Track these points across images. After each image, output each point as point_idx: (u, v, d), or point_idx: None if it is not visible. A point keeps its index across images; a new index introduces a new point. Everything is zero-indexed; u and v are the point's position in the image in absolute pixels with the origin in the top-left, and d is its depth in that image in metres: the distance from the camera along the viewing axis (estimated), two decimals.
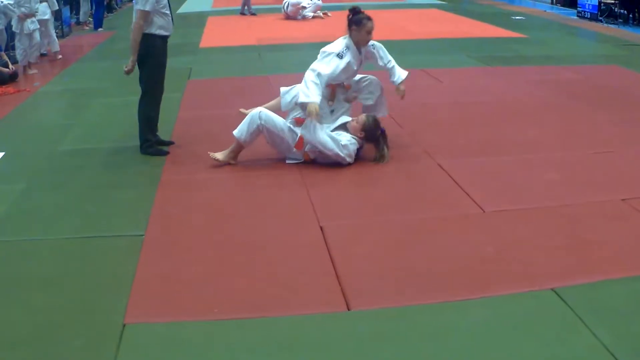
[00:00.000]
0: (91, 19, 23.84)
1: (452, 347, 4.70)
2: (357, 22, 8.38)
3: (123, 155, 8.83)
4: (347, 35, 8.45)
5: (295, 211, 7.03)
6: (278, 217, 6.92)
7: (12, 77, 13.96)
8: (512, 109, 10.76)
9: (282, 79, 12.50)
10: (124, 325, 4.97)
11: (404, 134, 9.35)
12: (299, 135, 8.17)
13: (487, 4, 29.41)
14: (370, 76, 8.89)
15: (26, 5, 14.75)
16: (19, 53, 15.09)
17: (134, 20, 8.49)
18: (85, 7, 23.92)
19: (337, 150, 8.02)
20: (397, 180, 7.88)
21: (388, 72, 8.79)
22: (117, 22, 24.75)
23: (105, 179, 8.08)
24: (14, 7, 14.69)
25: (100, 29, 22.80)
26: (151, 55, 8.52)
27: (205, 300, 5.31)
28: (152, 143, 8.78)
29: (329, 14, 23.71)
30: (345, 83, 8.65)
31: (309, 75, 8.18)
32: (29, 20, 14.83)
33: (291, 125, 8.26)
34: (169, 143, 9.06)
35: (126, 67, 8.56)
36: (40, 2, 16.14)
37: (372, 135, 8.25)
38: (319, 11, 23.95)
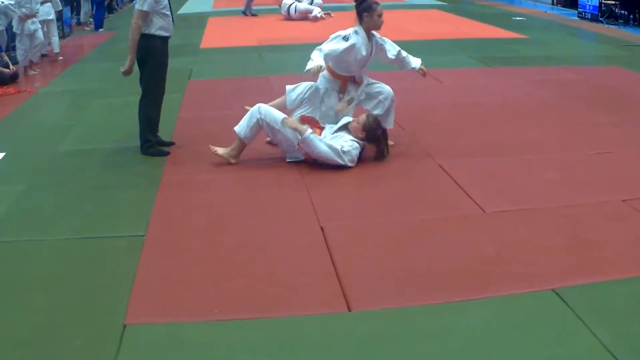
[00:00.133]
0: (92, 20, 23.86)
1: (452, 348, 4.71)
2: (367, 8, 8.41)
3: (124, 155, 8.83)
4: (358, 24, 8.47)
5: (295, 211, 7.03)
6: (278, 217, 6.92)
7: (13, 78, 13.96)
8: (513, 110, 10.76)
9: (283, 80, 12.48)
10: (125, 326, 4.97)
11: (404, 134, 9.34)
12: None
13: (487, 5, 29.42)
14: (384, 85, 8.83)
15: (27, 5, 14.75)
16: (19, 54, 15.08)
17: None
18: (86, 8, 23.91)
19: (337, 159, 8.00)
20: (398, 180, 7.88)
21: (402, 62, 8.88)
22: (118, 22, 24.74)
23: (105, 180, 8.08)
24: (15, 8, 14.68)
25: (101, 30, 22.81)
26: (151, 56, 8.52)
27: (205, 301, 5.31)
28: (152, 144, 8.78)
29: (332, 15, 23.68)
30: (357, 78, 8.65)
31: (313, 54, 8.38)
32: (29, 21, 14.83)
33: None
34: (170, 144, 9.06)
35: (123, 68, 8.57)
36: (45, 2, 16.17)
37: (373, 135, 8.25)
38: (321, 11, 23.95)
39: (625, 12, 22.59)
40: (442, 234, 6.44)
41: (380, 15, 8.45)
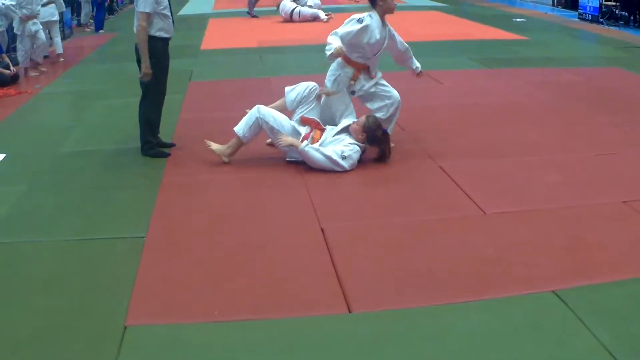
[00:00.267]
0: (92, 21, 23.88)
1: (452, 349, 4.71)
2: None
3: (124, 157, 8.84)
4: (372, 10, 8.46)
5: (296, 213, 7.03)
6: (279, 218, 6.93)
7: (14, 79, 13.96)
8: (513, 111, 10.76)
9: (284, 81, 12.48)
10: (125, 327, 4.97)
11: (404, 135, 9.34)
12: (302, 134, 8.20)
13: (488, 6, 29.44)
14: (394, 90, 8.79)
15: (28, 6, 14.74)
16: (20, 55, 15.07)
17: (135, 23, 8.50)
18: (86, 9, 23.93)
19: (335, 167, 8.02)
20: (398, 181, 7.88)
21: (407, 59, 9.00)
22: (118, 24, 24.78)
23: (106, 181, 8.09)
24: (16, 9, 14.68)
25: (101, 31, 22.84)
26: (152, 57, 8.50)
27: (206, 302, 5.31)
28: (153, 145, 8.78)
29: (332, 16, 23.68)
30: (370, 69, 8.65)
31: (328, 38, 8.45)
32: (30, 22, 14.81)
33: (296, 125, 8.30)
34: (170, 145, 9.06)
35: (140, 75, 8.58)
36: (48, 3, 16.18)
37: (374, 137, 8.24)
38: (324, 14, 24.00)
39: (626, 14, 22.61)
40: (442, 235, 6.44)
41: None
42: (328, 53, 8.30)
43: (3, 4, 15.06)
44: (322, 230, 6.53)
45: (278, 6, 23.74)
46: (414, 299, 5.32)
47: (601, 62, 15.71)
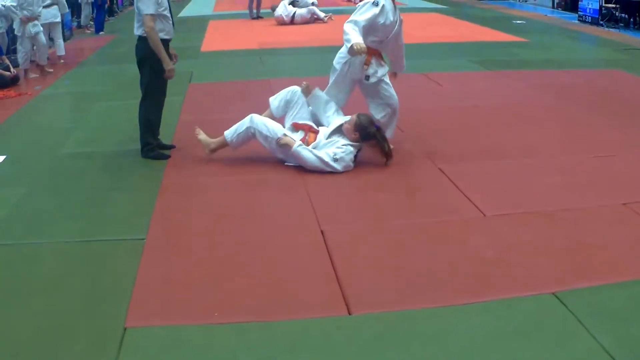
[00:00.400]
0: (92, 23, 23.89)
1: (453, 351, 4.71)
2: None
3: (124, 158, 8.84)
4: None
5: (296, 215, 7.04)
6: (279, 220, 6.94)
7: (14, 81, 13.96)
8: (513, 113, 10.77)
9: (284, 83, 12.48)
10: (125, 329, 4.98)
11: (404, 138, 9.34)
12: (297, 140, 8.21)
13: (488, 8, 29.48)
14: (394, 94, 8.80)
15: (29, 8, 14.75)
16: (20, 56, 15.08)
17: (135, 25, 8.52)
18: (86, 11, 23.95)
19: (328, 169, 8.05)
20: (398, 184, 7.88)
21: (399, 58, 8.98)
22: (119, 25, 24.80)
23: (106, 183, 8.09)
24: (17, 10, 14.68)
25: (101, 33, 22.86)
26: (152, 59, 8.51)
27: (206, 304, 5.32)
28: (153, 147, 8.79)
29: (332, 18, 23.70)
30: (382, 53, 8.64)
31: (346, 26, 8.22)
32: (30, 24, 14.82)
33: (289, 132, 8.32)
34: (170, 147, 9.06)
35: (166, 75, 8.63)
36: (51, 5, 16.19)
37: (367, 134, 8.21)
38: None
39: (626, 16, 22.61)
40: (442, 237, 6.44)
41: None
42: (348, 45, 8.10)
43: (3, 5, 15.08)
44: (322, 232, 6.53)
45: (273, 9, 23.67)
46: (414, 300, 5.32)
47: (601, 64, 15.72)
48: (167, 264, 6.00)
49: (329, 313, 5.18)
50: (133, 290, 5.51)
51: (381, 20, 8.30)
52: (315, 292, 5.50)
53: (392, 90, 8.74)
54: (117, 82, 13.71)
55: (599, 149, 8.82)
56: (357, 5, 8.51)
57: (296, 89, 8.77)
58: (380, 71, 8.61)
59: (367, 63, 8.48)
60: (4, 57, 14.62)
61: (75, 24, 23.63)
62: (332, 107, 8.62)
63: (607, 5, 23.07)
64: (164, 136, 9.15)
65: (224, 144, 8.55)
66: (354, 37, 8.06)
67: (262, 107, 8.91)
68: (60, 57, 16.85)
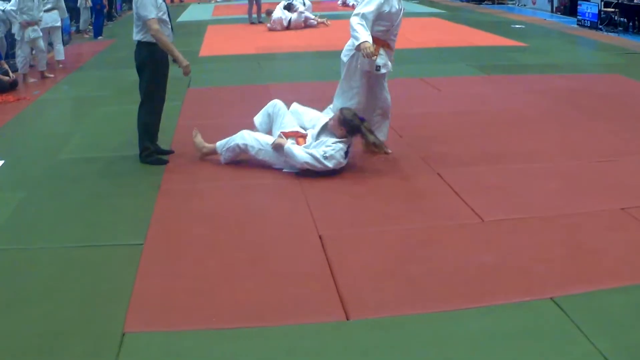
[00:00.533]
0: (91, 27, 23.88)
1: (451, 356, 4.71)
2: None
3: (123, 164, 8.84)
4: None
5: (294, 220, 7.04)
6: (277, 226, 6.94)
7: (12, 86, 13.96)
8: (512, 118, 10.77)
9: (282, 88, 12.57)
10: (124, 334, 4.98)
11: (403, 143, 9.35)
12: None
13: (487, 13, 29.48)
14: (388, 96, 8.85)
15: (29, 12, 14.74)
16: (19, 61, 15.07)
17: (135, 31, 8.52)
18: (85, 16, 23.94)
19: (320, 166, 8.06)
20: (396, 189, 7.88)
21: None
22: (117, 30, 24.81)
23: (105, 188, 8.09)
24: (16, 15, 14.67)
25: (100, 37, 22.85)
26: (151, 63, 8.53)
27: (204, 310, 5.32)
28: (151, 152, 8.78)
29: (329, 23, 23.74)
30: (389, 41, 8.62)
31: (353, 20, 8.21)
32: (30, 28, 14.82)
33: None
34: (169, 152, 9.06)
35: (184, 72, 8.67)
36: (52, 9, 16.19)
37: (353, 127, 8.19)
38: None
39: (625, 20, 22.63)
40: (440, 242, 6.44)
41: None
42: (356, 43, 8.11)
43: (3, 10, 15.07)
44: (320, 237, 6.53)
45: (268, 13, 23.64)
46: (412, 306, 5.33)
47: (600, 68, 15.74)
48: (165, 269, 6.00)
49: (328, 318, 5.18)
50: (132, 296, 5.52)
51: (386, 8, 8.29)
52: (313, 297, 5.50)
53: (387, 92, 8.75)
54: (116, 87, 13.72)
55: (598, 154, 8.83)
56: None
57: (275, 101, 8.90)
58: (390, 62, 8.64)
59: (376, 54, 8.41)
60: (3, 61, 14.59)
61: (74, 28, 23.62)
62: (309, 112, 8.73)
63: (606, 9, 23.11)
64: (163, 141, 9.14)
65: (214, 152, 8.68)
66: (362, 35, 8.08)
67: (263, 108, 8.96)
68: (59, 61, 16.84)
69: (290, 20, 23.21)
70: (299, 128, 8.57)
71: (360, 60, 8.41)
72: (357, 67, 8.50)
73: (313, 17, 23.92)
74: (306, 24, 23.63)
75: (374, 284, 5.67)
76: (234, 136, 8.51)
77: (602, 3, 23.59)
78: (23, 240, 6.74)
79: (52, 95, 13.63)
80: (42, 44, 15.29)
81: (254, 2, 25.04)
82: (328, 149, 8.09)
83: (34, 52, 15.36)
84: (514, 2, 34.48)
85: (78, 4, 23.37)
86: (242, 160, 8.52)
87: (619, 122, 10.34)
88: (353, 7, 28.69)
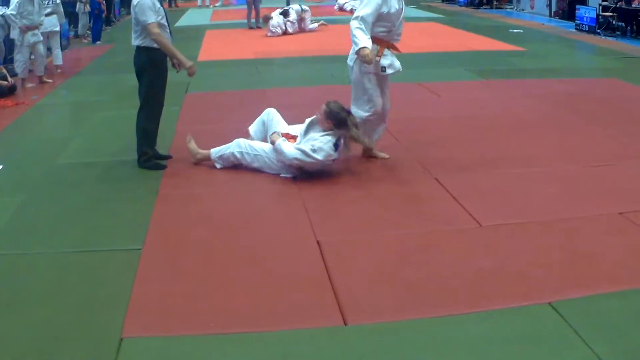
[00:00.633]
0: (89, 32, 23.89)
1: None
2: None
3: (121, 168, 8.84)
4: None
5: (292, 226, 7.04)
6: (275, 231, 6.94)
7: (11, 90, 13.97)
8: (510, 123, 10.77)
9: (280, 93, 12.58)
10: (122, 339, 4.98)
11: (401, 148, 9.35)
12: None
13: (485, 17, 29.51)
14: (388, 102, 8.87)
15: (29, 17, 14.74)
16: (19, 66, 15.05)
17: (133, 36, 8.54)
18: (83, 20, 23.96)
19: (310, 160, 8.07)
20: (394, 194, 7.88)
21: None
22: (116, 35, 24.82)
23: (103, 193, 8.09)
24: (16, 19, 14.67)
25: (98, 42, 22.87)
26: (150, 68, 8.54)
27: (202, 315, 5.32)
28: (149, 157, 8.79)
29: (325, 24, 23.83)
30: (393, 41, 8.62)
31: (353, 24, 8.23)
32: (30, 33, 14.81)
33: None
34: (167, 157, 9.06)
35: (189, 73, 8.73)
36: (51, 14, 16.19)
37: (340, 119, 8.18)
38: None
39: (623, 24, 22.64)
40: (438, 247, 6.44)
41: None
42: (357, 48, 8.14)
43: (2, 15, 15.07)
44: (317, 242, 6.53)
45: (266, 19, 23.65)
46: (410, 311, 5.33)
47: (598, 73, 15.73)
48: (163, 274, 6.00)
49: (325, 323, 5.18)
50: (130, 300, 5.52)
51: (385, 9, 8.28)
52: (311, 302, 5.50)
53: (388, 98, 8.76)
54: (114, 92, 13.72)
55: (596, 159, 8.83)
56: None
57: (269, 109, 8.92)
58: (396, 63, 8.64)
59: (379, 54, 8.44)
60: (1, 66, 14.61)
61: (72, 33, 23.63)
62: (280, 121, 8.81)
63: (604, 14, 23.11)
64: (161, 146, 9.14)
65: (207, 159, 8.73)
66: (361, 40, 8.11)
67: (257, 117, 8.98)
68: (57, 66, 16.84)
69: (286, 27, 23.26)
70: (289, 130, 8.58)
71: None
72: (363, 70, 8.48)
73: (310, 24, 23.94)
74: (301, 29, 23.67)
75: (371, 289, 5.67)
76: (229, 144, 8.55)
77: (600, 7, 23.59)
78: (21, 244, 6.74)
79: (50, 100, 13.64)
80: (41, 48, 15.29)
81: (253, 6, 25.08)
82: (316, 142, 8.10)
83: (32, 56, 15.35)
84: (512, 6, 34.50)
85: (77, 9, 23.42)
86: (241, 167, 8.53)
87: (617, 127, 10.35)
88: (351, 12, 28.80)
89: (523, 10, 32.56)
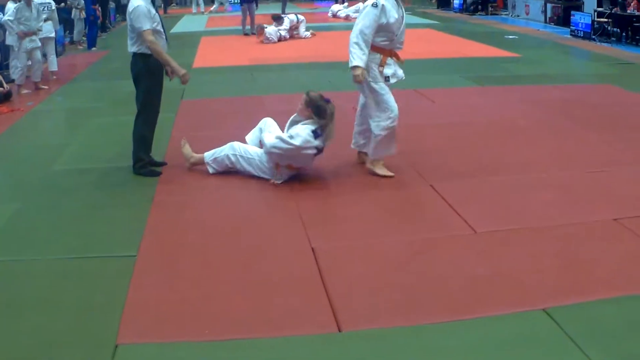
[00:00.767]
0: (85, 39, 23.90)
1: None
2: None
3: (116, 175, 8.84)
4: None
5: (286, 232, 7.04)
6: (270, 237, 6.93)
7: (6, 97, 13.97)
8: (505, 129, 10.78)
9: (276, 99, 12.58)
10: (117, 346, 4.98)
11: (396, 154, 9.33)
12: None
13: (480, 24, 29.52)
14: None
15: (26, 23, 14.74)
16: (16, 72, 15.03)
17: (129, 43, 8.54)
18: (79, 27, 23.97)
19: (287, 146, 8.09)
20: (389, 200, 7.88)
21: None
22: (111, 41, 24.82)
23: (98, 199, 8.08)
24: (14, 25, 14.67)
25: (93, 48, 22.89)
26: (146, 75, 8.55)
27: (196, 321, 5.31)
28: (145, 163, 8.79)
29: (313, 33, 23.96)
30: (396, 50, 8.60)
31: (351, 38, 8.24)
32: (27, 39, 14.81)
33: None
34: (162, 164, 9.06)
35: (182, 81, 8.71)
36: (46, 20, 16.19)
37: (318, 107, 8.21)
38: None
39: (618, 30, 22.66)
40: (433, 254, 6.44)
41: None
42: (350, 65, 8.16)
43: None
44: (312, 249, 6.53)
45: (262, 28, 23.66)
46: (404, 318, 5.33)
47: (593, 79, 15.77)
48: (158, 281, 6.00)
49: (320, 330, 5.18)
50: (124, 307, 5.52)
51: (384, 20, 8.27)
52: (306, 309, 5.50)
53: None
54: (110, 98, 13.73)
55: (591, 165, 8.84)
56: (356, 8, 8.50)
57: (266, 118, 8.92)
58: (400, 71, 8.63)
59: (382, 64, 8.44)
60: None
61: (67, 39, 23.64)
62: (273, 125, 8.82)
63: (599, 19, 23.16)
64: (156, 153, 9.14)
65: (201, 162, 8.77)
66: (355, 58, 8.13)
67: (253, 124, 9.05)
68: (52, 72, 16.83)
69: (281, 34, 23.35)
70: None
71: (370, 72, 8.37)
72: (369, 79, 8.45)
73: (304, 33, 24.03)
74: (292, 36, 23.78)
75: (366, 295, 5.67)
76: (223, 147, 8.57)
77: (595, 13, 23.66)
78: (16, 251, 6.74)
79: (46, 107, 13.64)
80: (39, 54, 15.30)
81: (248, 13, 25.11)
82: (293, 130, 8.20)
83: (29, 62, 15.34)
84: (507, 12, 34.53)
85: (72, 15, 23.44)
86: (233, 170, 8.54)
87: (612, 132, 10.36)
88: (346, 18, 28.86)
89: (518, 16, 32.60)
